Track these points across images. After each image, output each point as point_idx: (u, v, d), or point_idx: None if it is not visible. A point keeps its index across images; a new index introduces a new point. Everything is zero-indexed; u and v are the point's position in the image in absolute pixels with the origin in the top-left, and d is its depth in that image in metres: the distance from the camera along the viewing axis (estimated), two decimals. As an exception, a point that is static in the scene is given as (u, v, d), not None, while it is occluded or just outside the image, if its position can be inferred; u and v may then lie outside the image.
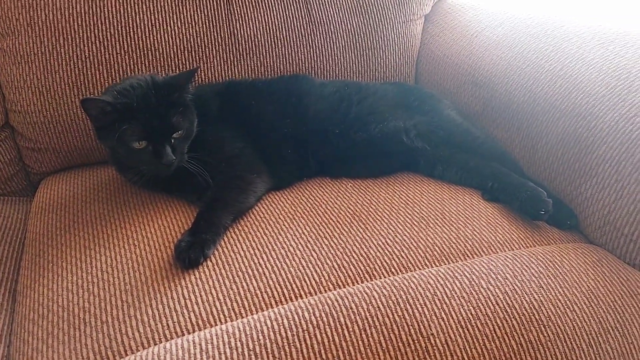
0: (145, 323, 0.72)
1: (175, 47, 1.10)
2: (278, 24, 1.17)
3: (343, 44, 1.23)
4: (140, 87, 0.89)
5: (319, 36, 1.21)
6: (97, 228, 0.91)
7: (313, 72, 1.21)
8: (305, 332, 0.68)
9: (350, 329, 0.69)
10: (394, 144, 1.04)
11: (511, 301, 0.74)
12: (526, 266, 0.80)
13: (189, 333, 0.71)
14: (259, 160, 0.99)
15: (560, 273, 0.79)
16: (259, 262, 0.81)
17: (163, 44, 1.10)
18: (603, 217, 0.87)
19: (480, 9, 1.30)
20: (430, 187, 1.00)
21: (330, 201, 0.96)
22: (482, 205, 0.95)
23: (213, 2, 1.14)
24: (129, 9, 1.08)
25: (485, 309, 0.72)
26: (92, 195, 1.03)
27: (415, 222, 0.90)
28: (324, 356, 0.66)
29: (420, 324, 0.70)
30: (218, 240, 0.85)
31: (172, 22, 1.10)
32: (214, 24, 1.13)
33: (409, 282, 0.75)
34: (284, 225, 0.89)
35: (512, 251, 0.85)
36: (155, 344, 0.69)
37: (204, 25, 1.12)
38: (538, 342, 0.71)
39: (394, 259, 0.82)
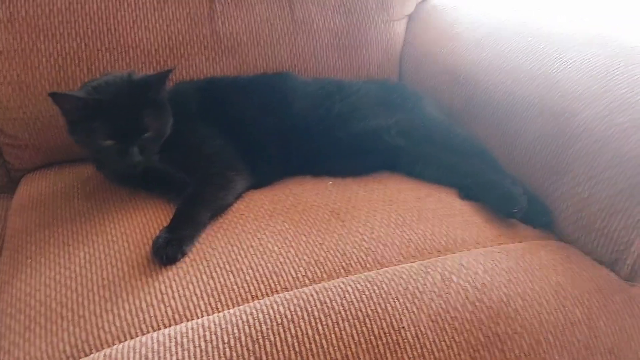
0: (122, 317, 0.73)
1: (156, 44, 1.11)
2: (260, 23, 1.19)
3: (326, 42, 1.24)
4: (115, 83, 0.90)
5: (301, 35, 1.22)
6: (77, 224, 0.92)
7: (296, 70, 1.23)
8: (280, 325, 0.69)
9: (324, 323, 0.70)
10: (375, 141, 1.05)
11: (480, 295, 0.76)
12: (497, 262, 0.82)
13: (165, 327, 0.72)
14: (239, 159, 1.00)
15: (529, 268, 0.81)
16: (236, 258, 0.82)
17: (144, 41, 1.11)
18: (576, 212, 0.89)
19: (462, 10, 1.32)
20: (408, 186, 1.02)
21: (310, 199, 0.97)
22: (457, 204, 0.97)
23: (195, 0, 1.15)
24: (110, 6, 1.09)
25: (455, 303, 0.74)
26: (72, 192, 1.03)
27: (392, 220, 0.92)
28: (297, 349, 0.67)
29: (392, 317, 0.72)
30: (196, 237, 0.85)
31: (153, 19, 1.11)
32: (196, 21, 1.14)
33: (382, 278, 0.77)
34: (263, 222, 0.90)
35: (485, 248, 0.87)
36: (132, 338, 0.70)
37: (186, 23, 1.13)
38: (505, 335, 0.73)
39: (370, 255, 0.84)
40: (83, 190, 1.03)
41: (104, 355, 0.67)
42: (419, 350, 0.69)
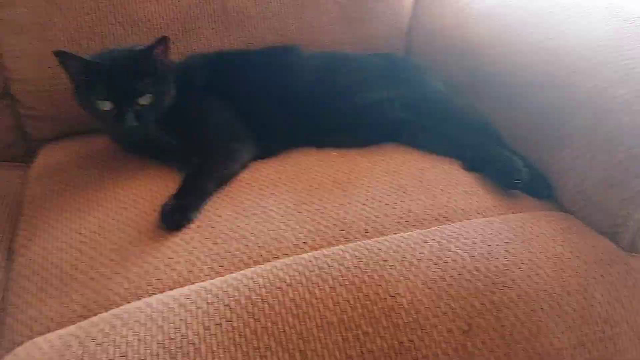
0: (129, 280, 0.77)
1: (167, 18, 1.13)
2: (268, -4, 1.20)
3: (333, 15, 1.24)
4: (116, 51, 0.94)
5: (309, 8, 1.22)
6: (90, 192, 0.96)
7: (304, 44, 1.21)
8: (279, 289, 0.72)
9: (322, 287, 0.72)
10: (378, 114, 1.07)
11: (478, 264, 0.77)
12: (496, 232, 0.83)
13: (170, 289, 0.75)
14: (245, 130, 1.02)
15: (528, 238, 0.82)
16: (239, 225, 0.85)
17: (156, 15, 1.12)
18: (576, 186, 0.90)
19: (471, -19, 1.31)
20: (411, 157, 1.03)
21: (313, 169, 0.99)
22: (460, 174, 0.98)
23: (205, -26, 1.16)
24: (123, -19, 1.11)
25: (451, 271, 0.76)
26: (87, 161, 1.07)
27: (393, 190, 0.93)
28: (295, 312, 0.70)
29: (388, 283, 0.74)
30: (202, 205, 0.89)
31: (165, -7, 1.13)
32: (206, -6, 1.16)
33: (380, 245, 0.79)
34: (267, 191, 0.93)
35: (485, 218, 0.88)
36: (138, 299, 0.74)
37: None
38: (501, 303, 0.74)
39: (369, 224, 0.86)
40: (97, 160, 1.06)
41: (112, 314, 0.70)
42: (414, 316, 0.71)
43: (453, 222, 0.88)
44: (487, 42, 1.11)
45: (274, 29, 1.21)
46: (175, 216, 0.85)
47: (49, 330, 0.72)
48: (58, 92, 1.11)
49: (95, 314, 0.73)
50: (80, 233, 0.86)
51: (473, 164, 1.00)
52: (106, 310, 0.73)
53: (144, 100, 0.93)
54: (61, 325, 0.72)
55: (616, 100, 0.85)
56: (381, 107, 1.06)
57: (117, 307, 0.73)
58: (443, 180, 0.97)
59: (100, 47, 1.09)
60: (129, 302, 0.74)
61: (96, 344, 0.65)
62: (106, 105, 0.92)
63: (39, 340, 0.68)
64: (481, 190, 0.95)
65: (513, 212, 0.91)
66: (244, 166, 0.99)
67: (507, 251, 0.80)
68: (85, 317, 0.72)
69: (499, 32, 1.10)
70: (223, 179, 0.95)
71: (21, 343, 0.70)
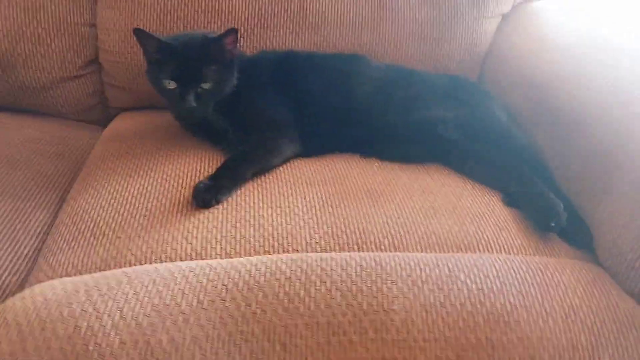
0: (149, 244, 0.82)
1: (247, 12, 1.20)
2: (347, 3, 1.22)
3: (409, 31, 1.25)
4: (189, 36, 1.01)
5: (385, 21, 1.24)
6: (143, 160, 1.03)
7: (375, 55, 1.25)
8: (276, 281, 0.74)
9: (317, 287, 0.74)
10: (428, 132, 1.06)
11: (484, 299, 0.75)
12: (513, 270, 0.80)
13: (180, 260, 0.80)
14: (294, 128, 1.06)
15: (545, 284, 0.78)
16: (262, 214, 0.88)
17: (237, 8, 1.20)
18: (612, 239, 0.84)
19: (557, 14, 1.26)
20: (453, 181, 1.02)
21: (351, 175, 1.01)
22: (497, 207, 0.95)
23: (288, -25, 1.21)
24: (212, -27, 1.19)
25: (454, 299, 0.74)
26: (150, 132, 1.16)
27: (423, 210, 0.93)
28: (285, 305, 0.72)
29: (384, 297, 0.73)
30: (234, 190, 0.93)
31: (248, -12, 1.19)
32: (286, -5, 1.21)
33: (389, 260, 0.78)
34: (299, 188, 0.96)
35: (508, 255, 0.85)
36: (150, 263, 0.79)
37: (273, -4, 1.21)
38: (498, 342, 0.71)
39: (387, 238, 0.86)
40: (159, 133, 1.15)
41: (123, 272, 0.76)
42: (404, 335, 0.71)
43: (473, 252, 0.85)
44: (558, 76, 1.06)
45: (348, 37, 1.24)
46: (206, 196, 0.89)
47: (68, 275, 0.79)
48: (137, 66, 1.21)
49: (110, 269, 0.79)
50: (121, 195, 0.93)
51: (514, 199, 0.97)
52: (120, 267, 0.79)
53: (206, 85, 1.00)
54: (79, 272, 0.79)
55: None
56: (432, 126, 1.06)
57: (130, 266, 0.79)
58: (478, 209, 0.94)
59: (182, 31, 1.18)
60: (141, 264, 0.79)
61: (100, 294, 0.71)
62: (171, 85, 0.99)
63: (55, 282, 0.75)
64: (514, 227, 0.92)
65: (540, 255, 0.87)
66: (284, 161, 1.02)
67: (518, 291, 0.77)
68: (101, 270, 0.79)
69: (572, 69, 1.05)
70: (261, 170, 0.98)
71: (42, 282, 0.78)
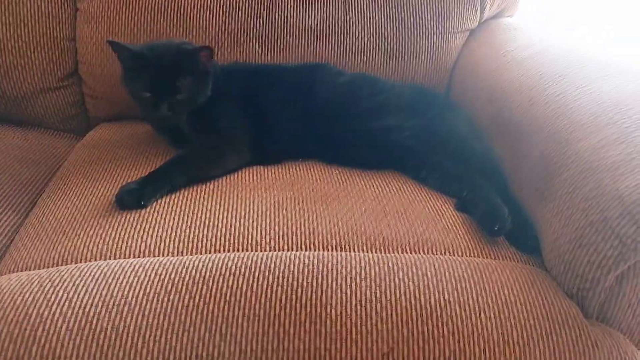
0: (105, 242, 0.87)
1: (217, 27, 1.25)
2: (314, 19, 1.28)
3: (375, 45, 1.30)
4: (162, 46, 1.05)
5: (351, 35, 1.29)
6: (111, 166, 1.09)
7: (341, 68, 1.30)
8: (221, 276, 0.78)
9: (259, 282, 0.77)
10: (384, 138, 1.11)
11: (419, 295, 0.78)
12: (452, 269, 0.83)
13: (133, 257, 0.84)
14: (246, 141, 1.09)
15: (482, 282, 0.81)
16: (217, 216, 0.92)
17: (208, 23, 1.25)
18: (552, 242, 0.87)
19: (521, 31, 1.31)
20: (408, 188, 1.05)
21: (309, 181, 1.05)
22: (448, 212, 0.99)
23: (259, -8, 1.27)
24: (184, -12, 1.25)
25: (390, 296, 0.78)
26: (124, 141, 1.21)
27: (374, 213, 0.96)
28: (227, 298, 0.75)
29: (324, 293, 0.77)
30: (160, 195, 0.96)
31: (218, 5, 1.25)
32: (256, 11, 1.26)
33: (332, 258, 0.82)
34: (257, 192, 1.00)
35: (452, 256, 0.89)
36: (104, 259, 0.84)
37: (247, 12, 1.26)
38: (430, 335, 0.75)
39: (335, 238, 0.90)
40: (132, 141, 1.20)
41: (76, 266, 0.80)
42: (338, 327, 0.74)
43: (417, 253, 0.89)
44: (511, 89, 1.11)
45: (315, 50, 1.29)
46: (127, 199, 0.92)
47: (27, 269, 0.84)
48: (114, 77, 1.26)
49: (67, 264, 0.83)
50: (86, 197, 0.98)
51: (464, 204, 1.00)
52: (75, 263, 0.83)
53: (181, 96, 1.03)
54: (39, 267, 0.84)
55: (604, 161, 0.82)
56: (388, 133, 1.10)
57: (85, 262, 0.83)
58: (428, 213, 0.98)
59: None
60: (95, 260, 0.84)
61: (51, 286, 0.75)
62: (145, 94, 1.03)
63: (12, 275, 0.80)
64: (462, 230, 0.95)
65: (483, 257, 0.90)
66: (227, 172, 1.05)
67: (454, 288, 0.80)
68: (58, 265, 0.83)
69: (524, 81, 1.09)
70: (196, 178, 1.00)
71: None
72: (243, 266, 0.80)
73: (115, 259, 0.84)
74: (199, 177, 1.02)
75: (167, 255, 0.85)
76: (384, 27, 1.30)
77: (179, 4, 1.24)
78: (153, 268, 0.79)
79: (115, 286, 0.76)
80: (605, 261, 0.78)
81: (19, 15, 1.25)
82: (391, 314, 0.76)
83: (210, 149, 1.06)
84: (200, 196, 0.98)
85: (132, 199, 0.93)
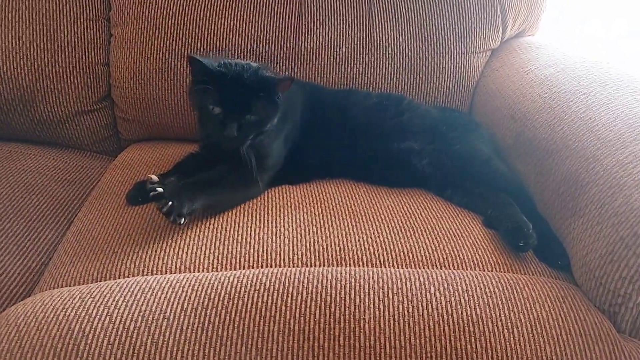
0: (142, 259, 0.89)
1: (246, 50, 1.29)
2: (339, 41, 1.31)
3: (399, 66, 1.32)
4: (241, 66, 1.02)
5: (375, 56, 1.32)
6: (144, 186, 1.12)
7: (365, 88, 1.33)
8: (256, 291, 0.80)
9: (294, 298, 0.79)
10: (404, 163, 1.14)
11: (452, 310, 0.79)
12: (483, 285, 0.84)
13: (170, 273, 0.87)
14: (270, 178, 1.10)
15: (514, 298, 0.82)
16: (249, 233, 0.95)
17: (237, 46, 1.29)
18: (582, 257, 0.88)
19: (544, 49, 1.32)
20: (436, 205, 1.07)
21: (337, 198, 1.07)
22: (476, 228, 1.00)
23: (286, 15, 1.31)
24: (214, 14, 1.29)
25: (422, 311, 0.78)
26: (155, 161, 1.24)
27: (403, 230, 0.98)
28: (262, 313, 0.77)
29: (357, 308, 0.78)
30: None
31: (247, 29, 1.29)
32: (283, 34, 1.30)
33: (364, 274, 0.83)
34: (287, 209, 1.02)
35: (482, 271, 0.89)
36: (142, 275, 0.86)
37: (274, 35, 1.30)
38: (463, 351, 0.75)
39: (365, 254, 0.91)
40: (163, 161, 1.23)
41: (116, 282, 0.82)
42: (372, 342, 0.75)
43: (447, 268, 0.90)
44: (534, 107, 1.12)
45: (340, 71, 1.32)
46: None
47: (68, 286, 0.86)
48: (145, 101, 1.31)
49: (105, 281, 0.86)
50: (121, 216, 1.01)
51: (491, 221, 1.01)
52: (114, 279, 0.86)
53: (251, 116, 1.00)
54: (78, 284, 0.87)
55: (633, 177, 0.83)
56: (409, 156, 1.13)
57: (124, 278, 0.85)
58: (456, 230, 0.99)
59: (185, 69, 1.28)
60: (133, 276, 0.86)
61: (92, 301, 0.78)
62: (216, 110, 0.99)
63: (54, 291, 0.82)
64: (491, 246, 0.96)
65: (513, 273, 0.91)
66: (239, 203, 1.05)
67: (486, 304, 0.80)
68: (97, 282, 0.86)
69: (548, 99, 1.10)
70: (211, 206, 1.00)
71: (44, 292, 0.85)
72: (277, 282, 0.82)
73: (152, 275, 0.86)
74: (214, 207, 1.01)
75: (203, 271, 0.88)
76: (408, 48, 1.32)
77: (209, 28, 1.28)
78: (189, 284, 0.81)
79: (153, 301, 0.78)
80: (637, 276, 0.79)
81: (57, 41, 1.30)
82: (424, 329, 0.77)
83: (229, 182, 1.04)
84: (232, 214, 1.01)
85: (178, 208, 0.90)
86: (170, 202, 0.89)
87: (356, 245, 0.93)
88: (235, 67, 1.01)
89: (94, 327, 0.74)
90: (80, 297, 0.79)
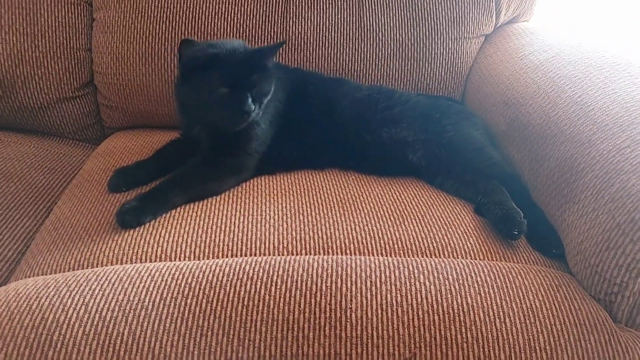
0: (121, 247, 0.86)
1: (232, 34, 1.25)
2: (328, 26, 1.27)
3: (390, 52, 1.29)
4: (230, 43, 1.01)
5: (366, 42, 1.28)
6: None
7: (356, 74, 1.29)
8: (239, 280, 0.77)
9: (278, 287, 0.76)
10: (397, 153, 1.11)
11: (442, 299, 0.76)
12: (474, 273, 0.81)
13: (150, 261, 0.83)
14: (256, 162, 1.07)
15: (506, 287, 0.79)
16: (233, 221, 0.91)
17: (222, 30, 1.25)
18: (577, 245, 0.85)
19: (538, 34, 1.30)
20: (426, 192, 1.04)
21: (326, 187, 1.04)
22: (468, 216, 0.97)
23: (273, -1, 1.27)
24: (199, -2, 1.25)
25: (411, 300, 0.76)
26: (138, 149, 1.21)
27: (393, 218, 0.95)
28: (245, 303, 0.74)
29: (343, 297, 0.75)
30: (160, 213, 0.92)
31: (233, 12, 1.25)
32: (271, 18, 1.26)
33: (351, 262, 0.81)
34: (274, 198, 0.99)
35: (473, 260, 0.87)
36: (120, 263, 0.83)
37: (261, 19, 1.26)
38: (453, 341, 0.73)
39: (353, 243, 0.88)
40: (146, 149, 1.19)
41: (92, 271, 0.79)
42: (359, 332, 0.72)
43: (438, 257, 0.87)
44: (528, 93, 1.09)
45: (329, 57, 1.28)
46: (127, 217, 0.89)
47: (43, 274, 0.83)
48: (129, 87, 1.27)
49: (82, 269, 0.82)
50: (101, 204, 0.98)
51: (481, 209, 0.98)
52: (92, 268, 0.82)
53: (257, 90, 0.98)
54: (55, 272, 0.83)
55: (630, 162, 0.81)
56: (401, 148, 1.11)
57: (102, 267, 0.82)
58: (447, 218, 0.96)
59: (169, 53, 1.25)
60: (112, 265, 0.83)
61: (68, 290, 0.74)
62: (223, 91, 0.96)
63: (29, 280, 0.79)
64: (483, 234, 0.93)
65: (505, 261, 0.88)
66: (224, 191, 1.02)
67: (477, 293, 0.78)
68: (74, 270, 0.82)
69: (542, 84, 1.07)
70: (196, 198, 0.97)
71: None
72: (261, 270, 0.79)
73: (131, 263, 0.83)
74: (200, 197, 0.98)
75: (184, 259, 0.84)
76: (399, 33, 1.29)
77: (194, 12, 1.25)
78: (170, 272, 0.78)
79: (131, 290, 0.75)
80: (634, 264, 0.76)
81: (37, 25, 1.26)
82: (413, 319, 0.74)
83: (214, 170, 1.02)
84: (215, 201, 0.97)
85: (132, 218, 0.89)
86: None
87: (343, 234, 0.90)
88: (229, 45, 1.00)
89: (68, 317, 0.71)
90: (55, 285, 0.75)
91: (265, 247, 0.87)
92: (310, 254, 0.86)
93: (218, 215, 0.93)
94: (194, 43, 1.00)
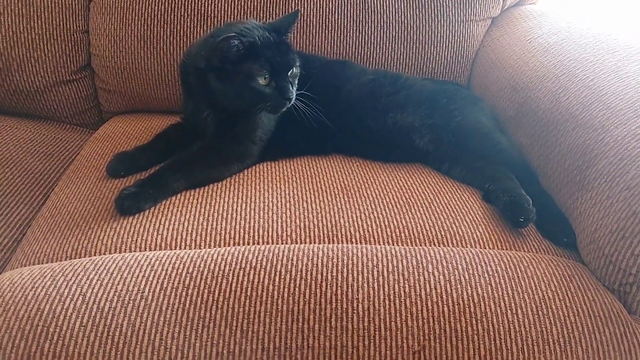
0: (120, 235, 0.83)
1: (233, 16, 1.22)
2: (331, 7, 1.24)
3: (394, 34, 1.25)
4: (256, 28, 0.96)
5: (370, 24, 1.25)
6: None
7: (360, 58, 1.26)
8: (241, 270, 0.74)
9: (282, 276, 0.74)
10: (404, 140, 1.08)
11: (451, 289, 0.74)
12: (484, 263, 0.79)
13: (149, 250, 0.81)
14: (261, 148, 1.04)
15: (517, 277, 0.77)
16: (235, 209, 0.89)
17: (222, 12, 1.22)
18: (590, 234, 0.82)
19: (547, 17, 1.26)
20: (433, 179, 1.01)
21: (330, 173, 1.01)
22: (476, 204, 0.95)
23: (273, -21, 1.23)
24: (197, -21, 1.22)
25: (420, 290, 0.73)
26: (137, 134, 1.18)
27: (399, 205, 0.92)
28: (248, 293, 0.72)
29: (349, 287, 0.73)
30: (160, 199, 0.90)
31: (234, -7, 1.22)
32: (273, 0, 1.23)
33: (357, 251, 0.78)
34: (276, 184, 0.96)
35: (482, 249, 0.84)
36: (119, 252, 0.80)
37: (262, 1, 1.22)
38: (464, 333, 0.70)
39: (359, 231, 0.86)
40: (145, 134, 1.17)
41: (90, 260, 0.77)
42: (365, 324, 0.70)
43: (446, 246, 0.85)
44: (537, 77, 1.06)
45: (332, 39, 1.25)
46: (126, 202, 0.87)
47: (40, 263, 0.80)
48: (127, 70, 1.24)
49: (79, 257, 0.80)
50: (100, 190, 0.95)
51: (488, 196, 0.96)
52: (89, 256, 0.80)
53: (293, 71, 0.98)
54: (51, 261, 0.81)
55: (646, 148, 0.78)
56: (408, 133, 1.08)
57: (99, 255, 0.80)
58: (455, 206, 0.94)
59: (169, 35, 1.21)
60: (110, 253, 0.80)
61: (65, 279, 0.72)
62: (264, 81, 0.94)
63: (25, 268, 0.76)
64: (492, 222, 0.91)
65: (516, 250, 0.86)
66: (226, 177, 0.99)
67: (488, 283, 0.75)
68: (71, 259, 0.80)
69: (552, 68, 1.04)
70: (196, 184, 0.95)
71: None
72: (264, 259, 0.76)
73: (130, 251, 0.81)
74: (200, 184, 0.95)
75: (185, 248, 0.82)
76: (404, 15, 1.25)
77: (194, -6, 1.21)
78: (170, 261, 0.76)
79: (131, 280, 0.72)
80: (649, 253, 0.74)
81: (32, 6, 1.22)
82: (421, 310, 0.72)
83: (218, 156, 0.99)
84: (217, 188, 0.95)
85: (131, 204, 0.87)
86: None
87: (349, 222, 0.87)
88: (255, 31, 0.96)
89: (65, 307, 0.69)
90: (51, 275, 0.73)
91: (268, 235, 0.84)
92: (314, 242, 0.83)
93: (220, 202, 0.91)
94: (235, 37, 0.91)
